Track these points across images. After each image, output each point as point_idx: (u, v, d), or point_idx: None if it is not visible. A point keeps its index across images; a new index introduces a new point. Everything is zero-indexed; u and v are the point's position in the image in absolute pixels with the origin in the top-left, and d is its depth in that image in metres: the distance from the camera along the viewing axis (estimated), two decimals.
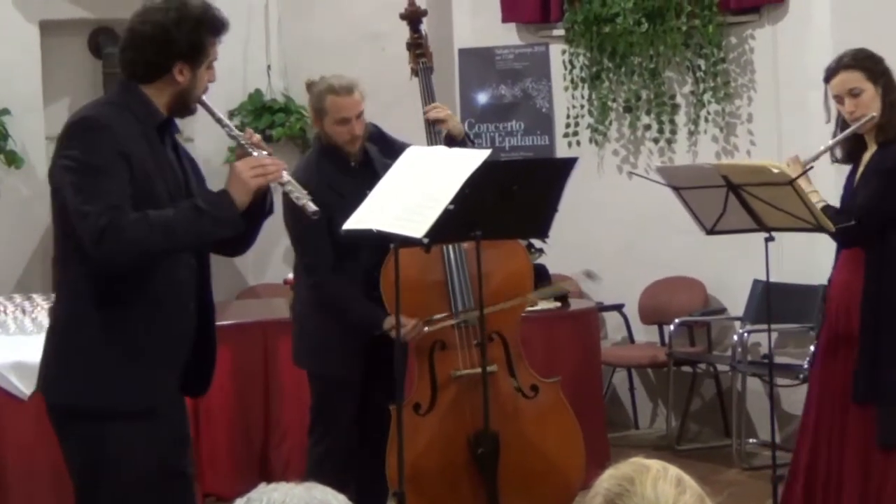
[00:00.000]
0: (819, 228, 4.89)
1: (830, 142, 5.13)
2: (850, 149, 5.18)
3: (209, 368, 4.05)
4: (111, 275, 3.72)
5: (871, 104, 5.00)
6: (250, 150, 3.88)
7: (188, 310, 3.90)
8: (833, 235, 5.10)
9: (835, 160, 5.23)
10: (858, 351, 5.03)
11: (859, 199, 5.02)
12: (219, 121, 3.96)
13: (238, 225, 3.78)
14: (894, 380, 4.96)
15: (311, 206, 3.89)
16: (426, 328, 5.07)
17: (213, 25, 3.85)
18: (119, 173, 3.66)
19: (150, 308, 3.78)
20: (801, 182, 4.89)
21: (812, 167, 5.04)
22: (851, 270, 5.09)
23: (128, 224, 3.61)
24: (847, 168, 5.27)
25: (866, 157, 5.11)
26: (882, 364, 4.98)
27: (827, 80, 5.12)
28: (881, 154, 5.05)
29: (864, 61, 5.06)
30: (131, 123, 3.76)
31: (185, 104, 3.90)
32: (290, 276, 6.16)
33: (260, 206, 3.90)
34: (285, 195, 3.98)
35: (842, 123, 5.14)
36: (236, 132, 3.94)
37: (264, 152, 3.89)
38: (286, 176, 3.89)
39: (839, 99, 5.07)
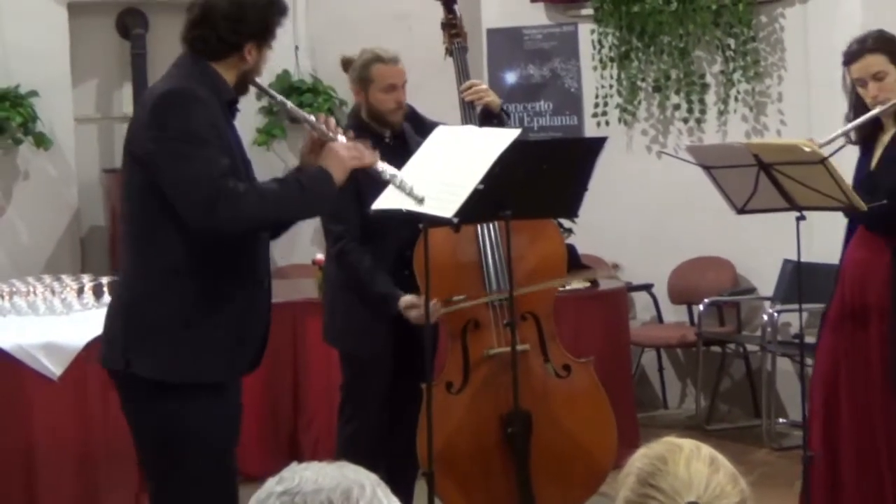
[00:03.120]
0: (851, 207, 4.85)
1: (848, 125, 5.05)
2: (866, 131, 5.12)
3: (262, 346, 4.15)
4: (208, 244, 3.79)
5: (894, 87, 4.95)
6: (330, 134, 4.00)
7: (265, 285, 4.05)
8: (848, 214, 5.05)
9: (849, 142, 5.14)
10: (890, 336, 4.98)
11: (888, 183, 4.96)
12: (281, 104, 4.14)
13: (335, 202, 3.95)
14: None
15: (409, 183, 4.10)
16: (443, 309, 5.03)
17: (281, 6, 3.97)
18: (216, 143, 3.76)
19: (231, 284, 3.89)
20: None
21: (842, 146, 5.00)
22: (872, 249, 5.03)
23: (241, 194, 3.71)
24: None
25: (885, 139, 5.05)
26: None
27: (847, 63, 5.04)
28: None
29: (887, 44, 4.99)
30: (211, 96, 3.85)
31: (244, 84, 4.00)
32: (319, 256, 6.16)
33: None
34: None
35: (857, 106, 5.07)
36: (303, 114, 4.07)
37: (341, 136, 4.01)
38: (381, 164, 4.06)
39: (862, 83, 4.99)
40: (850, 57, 5.02)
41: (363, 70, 5.21)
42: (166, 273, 3.83)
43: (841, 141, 5.08)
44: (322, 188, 3.88)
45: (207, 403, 3.87)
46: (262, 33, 3.93)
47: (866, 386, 5.03)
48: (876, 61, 4.96)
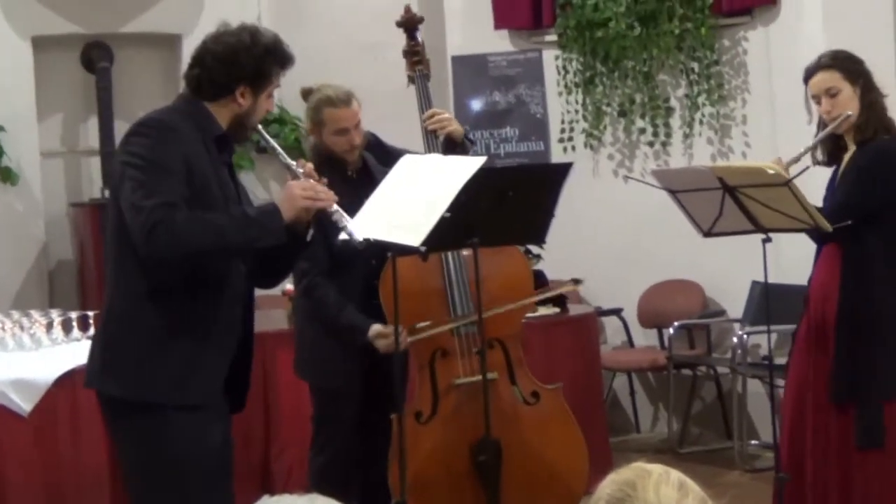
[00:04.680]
0: (816, 228, 4.89)
1: (811, 142, 5.12)
2: (831, 150, 5.16)
3: (245, 386, 4.15)
4: (160, 271, 3.82)
5: (848, 104, 4.99)
6: (302, 178, 4.01)
7: (236, 312, 4.02)
8: (812, 234, 5.10)
9: (816, 162, 5.20)
10: (835, 351, 5.03)
11: (836, 197, 5.02)
12: (273, 149, 4.13)
13: (280, 237, 3.90)
14: (870, 380, 4.97)
15: (359, 238, 4.03)
16: (409, 338, 5.03)
17: (281, 56, 4.05)
18: (179, 172, 3.79)
19: (202, 305, 3.90)
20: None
21: (806, 168, 5.04)
22: (829, 270, 5.08)
23: (180, 221, 3.73)
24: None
25: (846, 157, 5.11)
26: (859, 364, 4.98)
27: (806, 80, 5.12)
28: (859, 153, 5.05)
29: (842, 62, 5.06)
30: (193, 131, 3.89)
31: (242, 128, 4.04)
32: (289, 287, 6.15)
33: (301, 237, 4.03)
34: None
35: (822, 124, 5.13)
36: (289, 161, 4.08)
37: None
38: (335, 206, 4.01)
39: (817, 99, 5.07)
40: (807, 74, 5.13)
41: (315, 113, 5.19)
42: (137, 295, 3.87)
43: (807, 162, 5.13)
44: (267, 221, 3.89)
45: (185, 428, 3.86)
46: (256, 78, 3.98)
47: (826, 406, 5.07)
48: (829, 78, 5.03)
